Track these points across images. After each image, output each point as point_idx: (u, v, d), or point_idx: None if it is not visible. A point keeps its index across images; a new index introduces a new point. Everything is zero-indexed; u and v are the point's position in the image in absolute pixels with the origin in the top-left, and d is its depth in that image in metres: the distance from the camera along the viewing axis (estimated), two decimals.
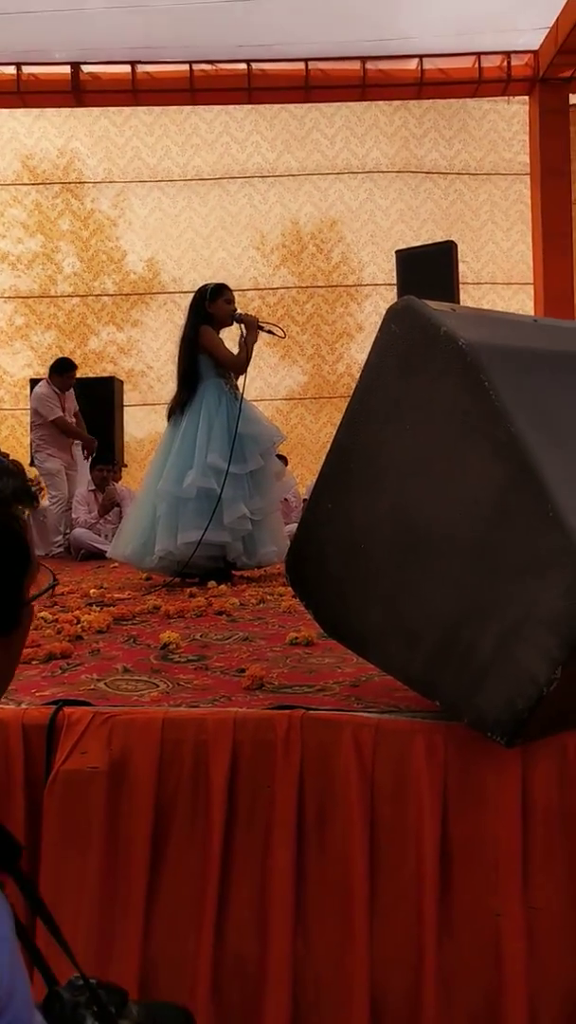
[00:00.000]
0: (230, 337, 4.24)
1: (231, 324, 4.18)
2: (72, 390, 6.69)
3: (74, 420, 6.67)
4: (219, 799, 1.43)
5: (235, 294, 4.30)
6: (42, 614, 2.89)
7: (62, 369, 6.56)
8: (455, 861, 1.40)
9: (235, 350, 4.12)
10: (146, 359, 9.00)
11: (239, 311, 4.18)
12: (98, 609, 2.93)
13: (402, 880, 1.41)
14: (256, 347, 4.15)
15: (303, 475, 7.53)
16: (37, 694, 1.76)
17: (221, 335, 4.19)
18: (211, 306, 4.10)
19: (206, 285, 4.20)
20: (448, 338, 1.38)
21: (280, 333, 4.31)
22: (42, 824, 1.45)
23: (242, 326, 4.12)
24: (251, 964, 1.40)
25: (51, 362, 6.80)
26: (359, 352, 8.76)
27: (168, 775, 1.46)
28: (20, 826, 1.45)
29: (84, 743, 1.48)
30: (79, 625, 2.56)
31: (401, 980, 1.37)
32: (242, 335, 4.10)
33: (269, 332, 4.23)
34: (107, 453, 6.81)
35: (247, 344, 4.08)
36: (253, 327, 4.12)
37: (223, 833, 1.42)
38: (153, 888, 1.43)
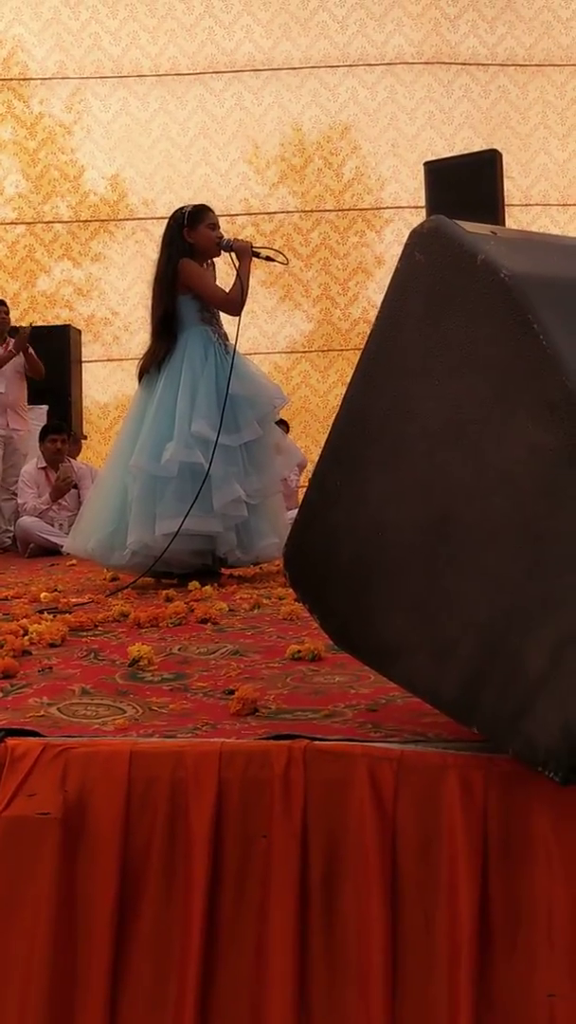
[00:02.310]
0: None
1: (218, 254, 4.17)
2: (19, 348, 6.65)
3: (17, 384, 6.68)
4: (201, 853, 1.43)
5: (221, 219, 4.29)
6: None
7: None
8: (497, 930, 1.40)
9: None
10: (110, 303, 8.99)
11: (227, 237, 4.16)
12: (51, 617, 2.94)
13: (432, 956, 1.41)
14: (250, 285, 4.13)
15: (307, 447, 7.53)
16: None
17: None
18: (191, 233, 4.09)
19: (183, 208, 4.19)
20: (487, 268, 1.37)
21: (282, 260, 4.29)
22: None
23: (232, 255, 4.11)
24: None
25: None
26: (377, 292, 8.73)
27: (138, 823, 1.46)
28: None
29: (32, 783, 1.48)
30: (27, 637, 2.57)
31: None
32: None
33: (268, 259, 4.22)
34: (62, 420, 6.81)
35: (241, 277, 4.06)
36: (247, 254, 4.11)
37: (206, 897, 1.42)
38: (119, 967, 1.43)
